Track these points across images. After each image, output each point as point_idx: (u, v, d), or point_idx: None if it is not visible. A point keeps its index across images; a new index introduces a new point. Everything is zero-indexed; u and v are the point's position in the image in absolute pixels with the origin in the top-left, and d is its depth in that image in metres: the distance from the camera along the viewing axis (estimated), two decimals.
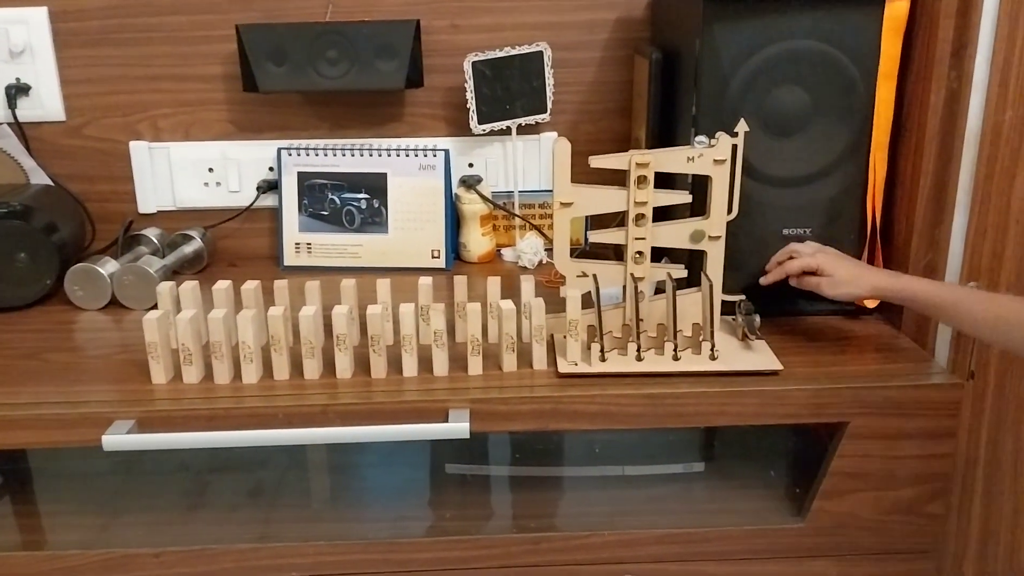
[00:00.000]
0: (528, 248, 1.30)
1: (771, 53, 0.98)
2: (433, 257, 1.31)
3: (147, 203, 1.34)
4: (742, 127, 0.92)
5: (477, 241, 1.32)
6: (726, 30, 0.98)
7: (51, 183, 1.30)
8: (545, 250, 1.30)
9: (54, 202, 1.24)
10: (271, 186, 1.34)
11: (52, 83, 1.28)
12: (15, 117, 1.28)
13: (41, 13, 1.26)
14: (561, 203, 0.94)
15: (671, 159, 0.93)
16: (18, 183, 1.29)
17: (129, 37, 1.28)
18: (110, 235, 1.31)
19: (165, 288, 0.99)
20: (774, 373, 0.92)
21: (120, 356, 1.01)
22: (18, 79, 1.28)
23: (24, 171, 1.30)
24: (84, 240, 1.30)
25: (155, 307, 1.00)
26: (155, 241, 1.27)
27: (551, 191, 1.36)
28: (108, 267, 1.15)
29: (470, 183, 1.31)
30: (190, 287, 0.99)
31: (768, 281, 1.00)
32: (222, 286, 1.00)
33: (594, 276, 0.95)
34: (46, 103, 1.29)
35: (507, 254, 1.34)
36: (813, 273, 0.95)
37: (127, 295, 1.14)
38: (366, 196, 1.31)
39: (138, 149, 1.32)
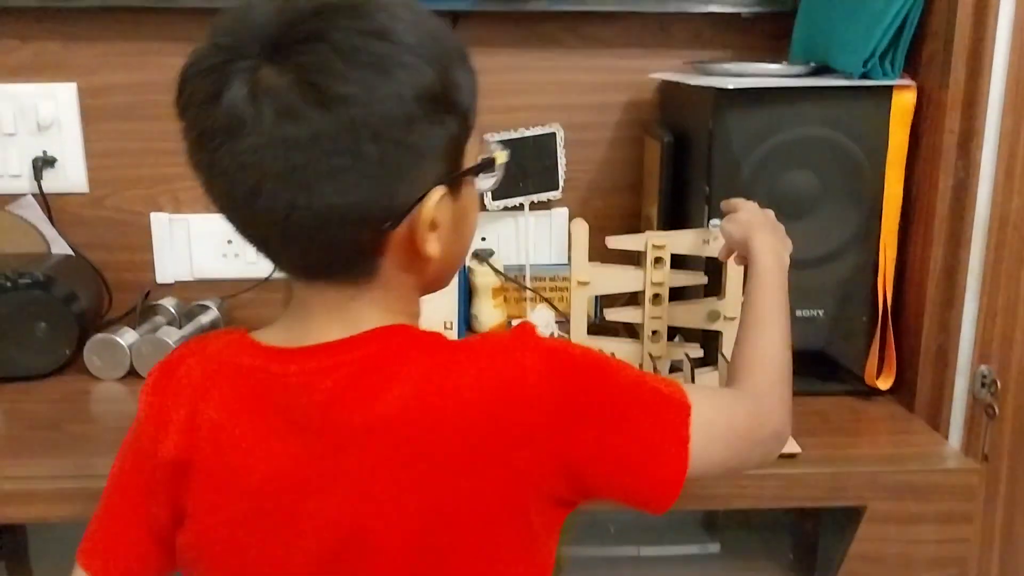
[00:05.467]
0: (540, 321, 1.31)
1: (782, 139, 1.01)
2: (446, 328, 1.32)
3: (165, 273, 1.36)
4: None
5: (489, 313, 1.34)
6: (737, 117, 1.01)
7: (72, 253, 1.32)
8: (556, 323, 1.32)
9: (74, 272, 1.26)
10: None
11: (77, 156, 1.31)
12: (40, 188, 1.30)
13: (70, 89, 1.30)
14: (579, 282, 0.96)
15: (687, 241, 0.96)
16: (40, 252, 1.31)
17: (153, 112, 1.31)
18: (127, 303, 1.32)
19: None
20: (792, 456, 0.92)
21: None
22: (44, 152, 1.31)
23: (46, 240, 1.32)
24: (102, 309, 1.31)
25: None
26: (172, 311, 1.28)
27: (562, 265, 1.38)
28: (127, 337, 1.16)
29: (483, 256, 1.33)
30: None
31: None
32: None
33: (612, 355, 0.96)
34: (70, 175, 1.32)
35: None
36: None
37: (145, 365, 1.15)
38: None
39: (159, 220, 1.34)
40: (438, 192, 0.60)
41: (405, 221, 0.60)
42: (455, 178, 0.62)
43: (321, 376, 0.60)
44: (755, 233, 0.84)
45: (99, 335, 1.15)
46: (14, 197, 1.32)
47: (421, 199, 0.60)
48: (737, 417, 0.69)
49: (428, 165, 0.59)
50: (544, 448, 0.59)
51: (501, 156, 0.68)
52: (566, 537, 0.66)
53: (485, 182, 0.69)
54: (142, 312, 1.27)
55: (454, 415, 0.58)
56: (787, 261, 0.85)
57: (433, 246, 0.61)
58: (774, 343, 0.77)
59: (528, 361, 0.60)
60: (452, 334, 1.31)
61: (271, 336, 0.64)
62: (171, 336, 1.16)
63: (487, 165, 0.66)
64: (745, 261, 0.85)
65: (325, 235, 0.58)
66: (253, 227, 0.60)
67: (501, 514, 0.60)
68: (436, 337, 0.63)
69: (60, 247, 1.32)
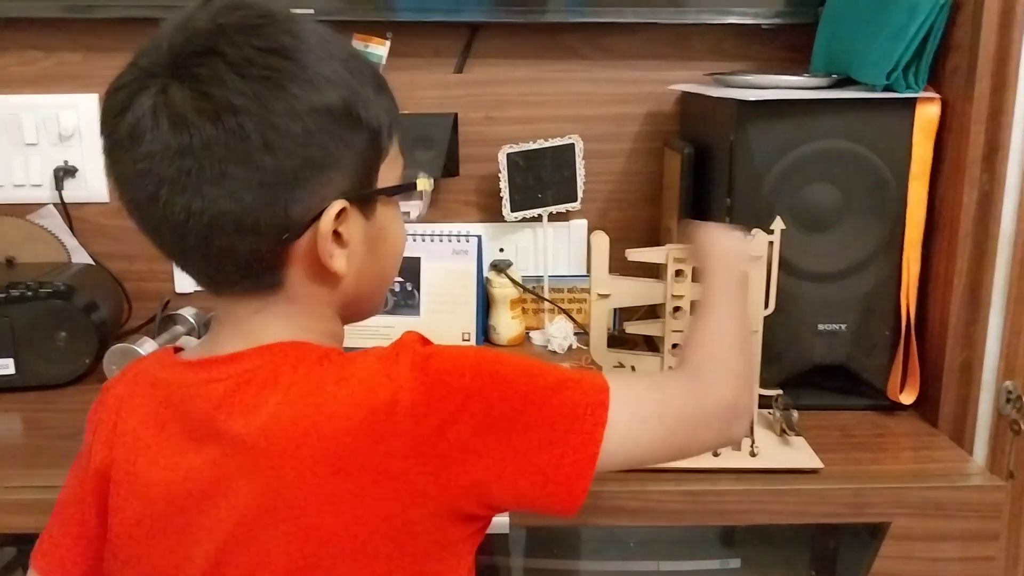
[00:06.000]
0: (558, 332, 1.31)
1: (803, 152, 1.01)
2: (464, 339, 1.32)
3: (184, 283, 1.36)
4: (778, 225, 0.94)
5: (507, 324, 1.33)
6: (759, 129, 1.00)
7: (92, 262, 1.32)
8: (575, 334, 1.31)
9: (94, 281, 1.27)
10: None
11: (98, 166, 1.32)
12: (61, 198, 1.31)
13: (91, 100, 1.31)
14: (599, 294, 0.96)
15: None
16: (60, 262, 1.32)
17: None
18: (146, 313, 1.33)
19: None
20: (814, 471, 0.91)
21: None
22: (66, 162, 1.32)
23: (67, 250, 1.33)
24: (122, 319, 1.32)
25: None
26: (191, 320, 1.29)
27: (580, 276, 1.37)
28: (146, 347, 1.16)
29: (501, 267, 1.33)
30: None
31: None
32: None
33: (632, 368, 0.95)
34: (91, 185, 1.33)
35: (536, 337, 1.35)
36: None
37: None
38: (399, 279, 1.33)
39: None
40: (336, 206, 0.62)
41: (308, 233, 0.62)
42: (364, 196, 0.64)
43: (211, 386, 0.62)
44: (707, 233, 0.85)
45: (119, 344, 1.15)
46: (36, 207, 1.33)
47: (322, 212, 0.62)
48: (669, 396, 0.67)
49: (329, 179, 0.62)
50: (422, 464, 0.59)
51: (424, 183, 0.69)
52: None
53: (409, 207, 0.70)
54: (161, 322, 1.28)
55: (322, 430, 0.59)
56: (741, 251, 0.86)
57: (339, 262, 0.63)
58: (719, 323, 0.75)
59: (401, 373, 0.60)
60: (470, 345, 1.31)
61: (190, 351, 0.68)
62: (190, 345, 1.16)
63: (402, 188, 0.68)
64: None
65: (222, 242, 0.60)
66: (158, 235, 0.62)
67: (381, 534, 0.59)
68: (327, 352, 0.63)
69: (81, 257, 1.33)
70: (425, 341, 0.64)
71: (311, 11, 1.25)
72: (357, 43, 1.27)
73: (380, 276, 0.71)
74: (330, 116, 0.60)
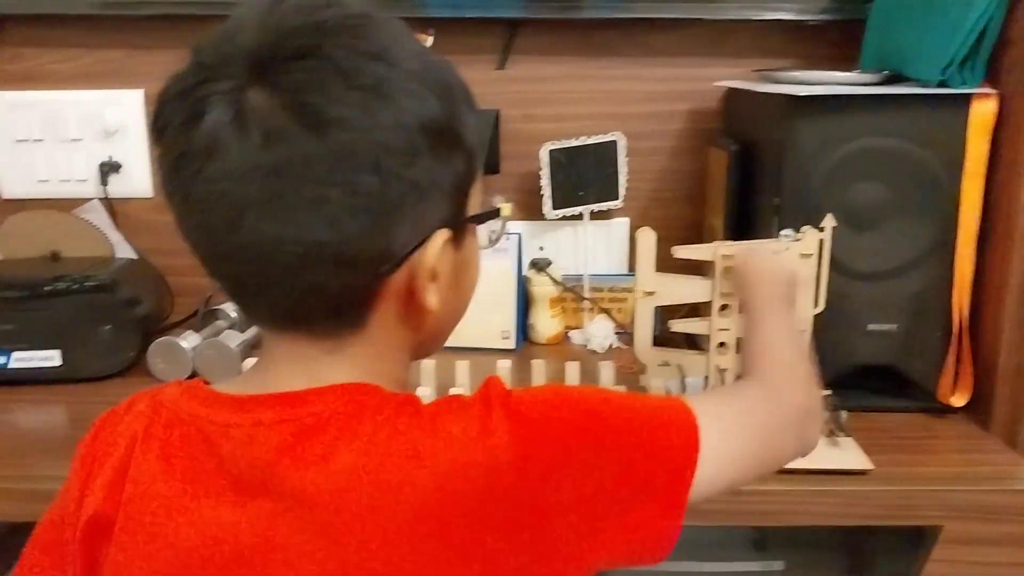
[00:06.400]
0: (598, 332, 1.30)
1: (854, 149, 0.99)
2: (503, 338, 1.31)
3: None
4: (829, 222, 0.93)
5: (546, 323, 1.33)
6: (809, 125, 0.99)
7: (136, 256, 1.34)
8: (616, 334, 1.30)
9: (138, 275, 1.28)
10: None
11: (142, 161, 1.33)
12: (105, 193, 1.33)
13: (136, 95, 1.32)
14: (644, 292, 0.95)
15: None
16: (105, 256, 1.33)
17: None
18: (188, 308, 1.34)
19: (249, 364, 1.00)
20: (863, 472, 0.90)
21: None
22: (110, 157, 1.33)
23: (111, 244, 1.34)
24: (165, 313, 1.32)
25: None
26: (233, 315, 1.29)
27: (620, 275, 1.36)
28: (190, 341, 1.17)
29: (540, 266, 1.32)
30: None
31: None
32: None
33: (679, 366, 0.94)
34: (135, 180, 1.34)
35: (575, 336, 1.34)
36: None
37: (207, 369, 1.15)
38: None
39: None
40: (442, 236, 0.55)
41: (404, 267, 0.54)
42: (460, 224, 0.57)
43: (264, 431, 0.53)
44: (747, 256, 0.84)
45: (162, 338, 1.16)
46: (81, 201, 1.34)
47: (423, 242, 0.54)
48: (746, 404, 0.64)
49: (431, 206, 0.54)
50: (520, 533, 0.51)
51: (505, 208, 0.63)
52: None
53: (486, 238, 0.65)
54: (204, 316, 1.29)
55: (409, 490, 0.50)
56: (787, 267, 0.84)
57: (433, 298, 0.56)
58: (775, 332, 0.73)
59: (496, 424, 0.52)
60: (510, 344, 1.30)
61: (229, 386, 0.58)
62: (233, 340, 1.17)
63: (494, 213, 0.61)
64: None
65: (313, 277, 0.52)
66: (230, 264, 0.53)
67: None
68: (408, 399, 0.55)
69: (125, 251, 1.34)
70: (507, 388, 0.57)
71: None
72: None
73: (459, 310, 0.64)
74: (435, 132, 0.52)
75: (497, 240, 0.67)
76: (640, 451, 0.55)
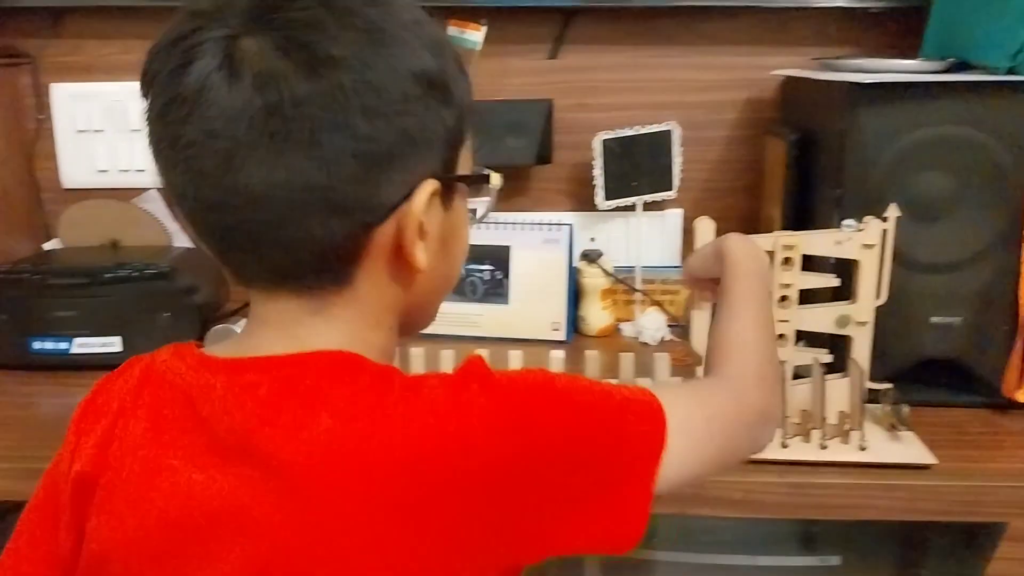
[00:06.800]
0: (650, 324, 1.29)
1: (918, 138, 0.97)
2: (553, 329, 1.31)
3: None
4: (893, 212, 0.91)
5: (597, 315, 1.32)
6: (872, 114, 0.97)
7: (192, 245, 1.36)
8: (668, 327, 1.29)
9: (195, 264, 1.29)
10: None
11: None
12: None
13: None
14: None
15: (818, 242, 0.92)
16: (163, 245, 1.36)
17: None
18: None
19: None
20: (926, 467, 0.88)
21: None
22: None
23: (168, 233, 1.37)
24: (220, 301, 1.34)
25: None
26: None
27: (674, 267, 1.35)
28: None
29: (592, 257, 1.32)
30: None
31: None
32: None
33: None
34: None
35: (626, 329, 1.33)
36: None
37: None
38: (489, 267, 1.33)
39: None
40: (430, 186, 0.54)
41: (391, 220, 0.54)
42: (449, 181, 0.57)
43: (242, 395, 0.53)
44: (723, 240, 0.80)
45: (219, 325, 1.18)
46: (139, 191, 1.37)
47: (411, 194, 0.54)
48: (715, 404, 0.64)
49: (420, 157, 0.54)
50: (490, 511, 0.52)
51: (495, 178, 0.62)
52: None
53: (478, 206, 0.63)
54: None
55: (382, 461, 0.50)
56: (764, 257, 0.80)
57: (422, 255, 0.55)
58: (747, 328, 0.71)
59: (473, 401, 0.52)
60: (560, 336, 1.30)
61: (218, 349, 0.58)
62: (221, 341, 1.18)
63: (483, 178, 0.61)
64: (713, 297, 0.82)
65: (302, 225, 0.52)
66: (219, 214, 0.52)
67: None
68: (386, 370, 0.55)
69: (182, 240, 1.36)
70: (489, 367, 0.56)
71: None
72: (452, 29, 1.27)
73: (448, 279, 0.64)
74: (428, 83, 0.53)
75: (485, 216, 0.66)
76: (609, 439, 0.56)
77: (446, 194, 0.58)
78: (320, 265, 0.54)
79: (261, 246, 0.53)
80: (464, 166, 0.60)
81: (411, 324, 0.63)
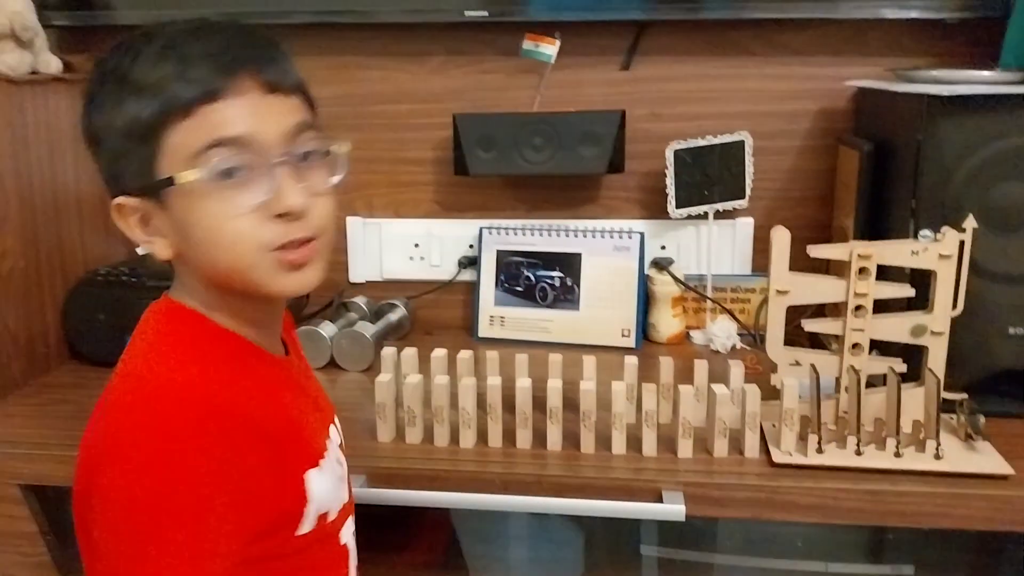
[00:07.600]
0: (721, 332, 1.30)
1: (996, 150, 0.97)
2: (623, 336, 1.33)
3: (357, 273, 1.44)
4: (970, 223, 0.91)
5: (667, 322, 1.34)
6: (949, 126, 0.97)
7: None
8: (738, 335, 1.30)
9: None
10: (471, 262, 1.41)
11: None
12: None
13: None
14: (777, 291, 0.95)
15: (894, 252, 0.93)
16: None
17: (354, 123, 1.40)
18: (320, 300, 1.41)
19: (388, 353, 1.06)
20: (1004, 477, 0.88)
21: (342, 414, 1.08)
22: None
23: None
24: (302, 303, 1.40)
25: (369, 369, 1.06)
26: (364, 308, 1.36)
27: (744, 276, 1.36)
28: (327, 330, 1.23)
29: (662, 265, 1.34)
30: (411, 353, 1.06)
31: None
32: (439, 354, 1.05)
33: (812, 366, 0.94)
34: None
35: (697, 336, 1.35)
36: None
37: (344, 356, 1.22)
38: (560, 274, 1.36)
39: (354, 224, 1.43)
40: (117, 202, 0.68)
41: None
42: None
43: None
44: None
45: (304, 327, 1.23)
46: None
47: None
48: None
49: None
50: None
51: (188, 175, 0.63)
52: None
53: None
54: (337, 308, 1.35)
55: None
56: None
57: (148, 249, 0.69)
58: None
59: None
60: (629, 342, 1.32)
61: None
62: (368, 330, 1.23)
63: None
64: None
65: None
66: None
67: None
68: (156, 320, 0.69)
69: None
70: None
71: (484, 13, 1.29)
72: (528, 43, 1.31)
73: (206, 257, 0.67)
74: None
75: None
76: None
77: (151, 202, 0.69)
78: None
79: None
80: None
81: (224, 281, 0.68)
